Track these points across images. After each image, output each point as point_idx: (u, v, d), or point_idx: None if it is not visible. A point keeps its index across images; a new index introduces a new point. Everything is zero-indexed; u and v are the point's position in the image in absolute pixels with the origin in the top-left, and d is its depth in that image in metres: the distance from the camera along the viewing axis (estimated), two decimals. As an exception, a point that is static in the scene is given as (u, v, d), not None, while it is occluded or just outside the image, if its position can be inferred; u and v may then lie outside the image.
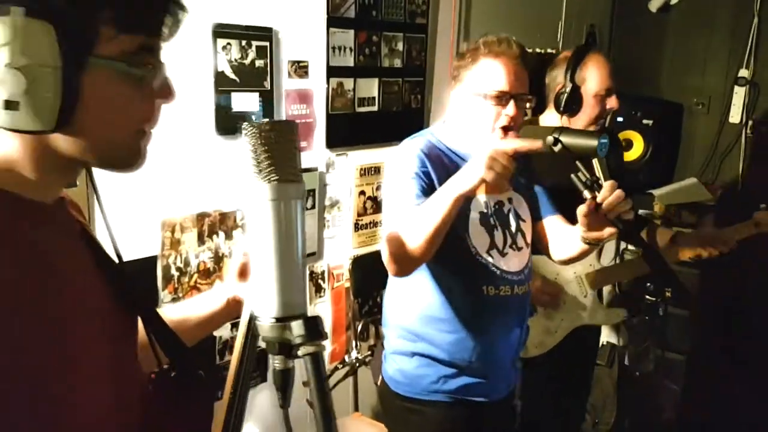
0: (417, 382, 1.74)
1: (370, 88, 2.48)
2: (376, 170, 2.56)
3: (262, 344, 0.77)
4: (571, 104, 2.09)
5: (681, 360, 3.07)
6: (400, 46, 2.56)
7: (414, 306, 1.74)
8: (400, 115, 2.61)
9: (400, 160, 1.68)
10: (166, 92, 0.75)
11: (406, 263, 1.56)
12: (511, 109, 1.62)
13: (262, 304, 0.72)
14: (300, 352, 0.70)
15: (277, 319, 0.70)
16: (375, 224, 2.61)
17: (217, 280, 2.08)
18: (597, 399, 3.15)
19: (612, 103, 2.15)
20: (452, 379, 1.72)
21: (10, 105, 0.64)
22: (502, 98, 1.62)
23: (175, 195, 1.93)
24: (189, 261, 2.01)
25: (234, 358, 0.78)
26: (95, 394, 0.74)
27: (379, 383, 1.89)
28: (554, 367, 2.27)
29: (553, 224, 1.81)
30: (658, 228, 2.39)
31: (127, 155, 0.75)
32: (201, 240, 2.04)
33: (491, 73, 1.63)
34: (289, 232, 0.71)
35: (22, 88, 0.64)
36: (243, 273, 1.00)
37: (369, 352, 2.60)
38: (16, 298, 0.66)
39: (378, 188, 2.58)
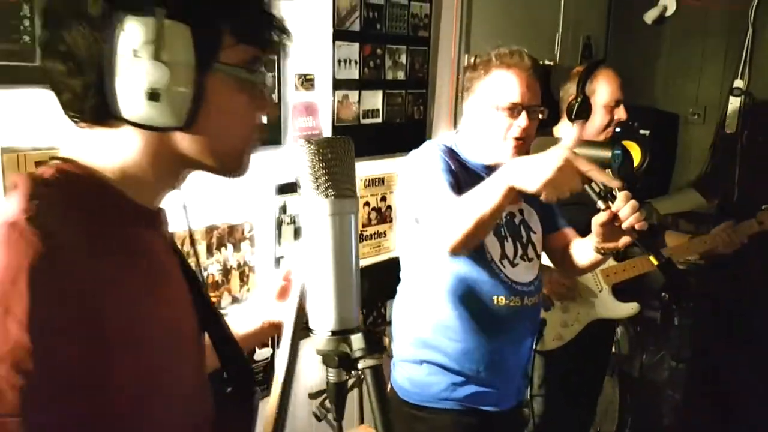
0: (426, 389, 1.74)
1: (375, 100, 2.50)
2: (381, 181, 2.57)
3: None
4: (581, 113, 2.27)
5: (681, 368, 3.09)
6: (403, 59, 2.58)
7: (424, 315, 1.74)
8: (404, 126, 2.63)
9: (424, 159, 1.67)
10: (269, 103, 0.81)
11: (454, 245, 1.47)
12: (523, 120, 1.64)
13: (319, 317, 0.72)
14: (360, 365, 0.70)
15: (334, 332, 0.71)
16: (380, 235, 2.62)
17: (225, 292, 2.08)
18: (599, 407, 3.16)
19: (620, 113, 2.34)
20: (461, 387, 1.73)
21: (153, 96, 0.69)
22: (514, 109, 1.64)
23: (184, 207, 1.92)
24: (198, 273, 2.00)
25: (278, 375, 0.78)
26: (186, 402, 0.78)
27: (388, 392, 1.89)
28: (571, 360, 2.36)
29: (566, 236, 1.82)
30: (668, 232, 2.53)
31: (238, 160, 0.79)
32: (210, 252, 2.04)
33: (504, 85, 1.65)
34: (345, 245, 0.72)
35: (165, 80, 0.68)
36: (282, 294, 1.01)
37: (375, 363, 2.59)
38: (137, 301, 0.70)
39: (382, 199, 2.59)
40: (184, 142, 0.74)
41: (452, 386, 1.73)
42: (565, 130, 2.34)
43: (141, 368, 0.69)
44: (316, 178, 0.72)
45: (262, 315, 1.05)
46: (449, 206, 1.48)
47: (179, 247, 0.89)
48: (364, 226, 2.57)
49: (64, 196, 0.70)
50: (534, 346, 2.17)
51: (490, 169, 1.71)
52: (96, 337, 0.64)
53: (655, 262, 1.42)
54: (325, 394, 2.82)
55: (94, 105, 0.70)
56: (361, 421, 2.59)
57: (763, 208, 2.39)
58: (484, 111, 1.68)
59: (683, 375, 2.96)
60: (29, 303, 0.60)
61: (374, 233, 2.61)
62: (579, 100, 2.28)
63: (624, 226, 1.47)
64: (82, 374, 0.63)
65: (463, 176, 1.66)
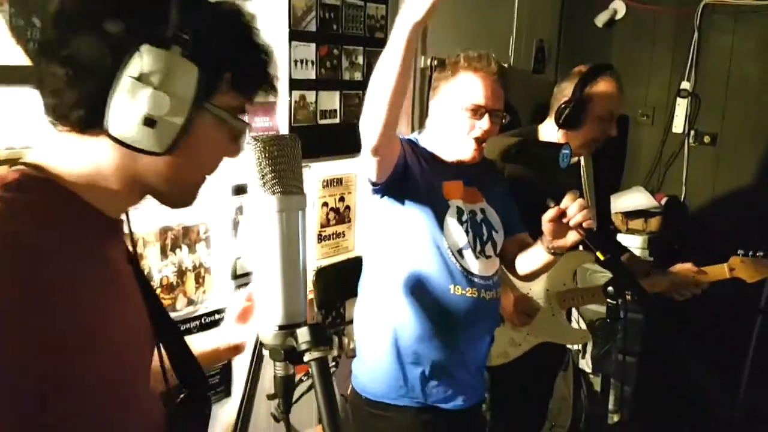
0: (385, 385, 1.76)
1: (332, 100, 2.51)
2: (339, 182, 2.58)
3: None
4: (572, 119, 2.05)
5: (632, 361, 3.18)
6: (360, 60, 2.59)
7: (384, 311, 1.76)
8: (361, 127, 2.64)
9: None
10: (238, 149, 0.84)
11: (375, 122, 1.50)
12: (485, 122, 1.68)
13: (266, 312, 0.73)
14: (306, 358, 0.72)
15: (281, 327, 0.72)
16: (338, 235, 2.63)
17: (180, 294, 2.07)
18: (553, 403, 3.23)
19: (612, 129, 2.11)
20: (421, 384, 1.74)
21: (149, 122, 0.72)
22: (477, 111, 1.68)
23: (136, 209, 1.90)
24: (152, 276, 1.98)
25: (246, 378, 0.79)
26: (141, 409, 0.79)
27: (349, 392, 1.90)
28: (517, 377, 2.26)
29: (520, 240, 1.86)
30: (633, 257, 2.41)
31: (190, 195, 0.84)
32: (164, 254, 2.02)
33: (469, 87, 1.69)
34: (292, 242, 0.74)
35: (164, 110, 0.72)
36: (243, 317, 1.03)
37: (333, 363, 2.60)
38: (95, 306, 0.71)
39: (341, 199, 2.60)
40: (153, 166, 0.77)
41: (411, 382, 1.74)
42: (547, 130, 2.16)
43: (98, 374, 0.69)
44: (263, 176, 0.74)
45: (221, 337, 1.07)
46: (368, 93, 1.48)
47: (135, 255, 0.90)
48: (322, 226, 2.58)
49: (27, 202, 0.71)
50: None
51: (451, 166, 1.75)
52: (51, 341, 0.65)
53: (602, 258, 1.46)
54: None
55: (82, 115, 0.72)
56: (320, 422, 2.60)
57: (738, 253, 2.18)
58: (448, 111, 1.71)
59: (631, 368, 3.05)
60: None
61: (333, 233, 2.62)
62: (572, 105, 2.04)
63: (571, 223, 1.52)
64: (33, 375, 0.63)
65: (420, 165, 1.70)
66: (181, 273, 2.07)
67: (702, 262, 2.26)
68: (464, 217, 1.74)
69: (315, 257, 2.57)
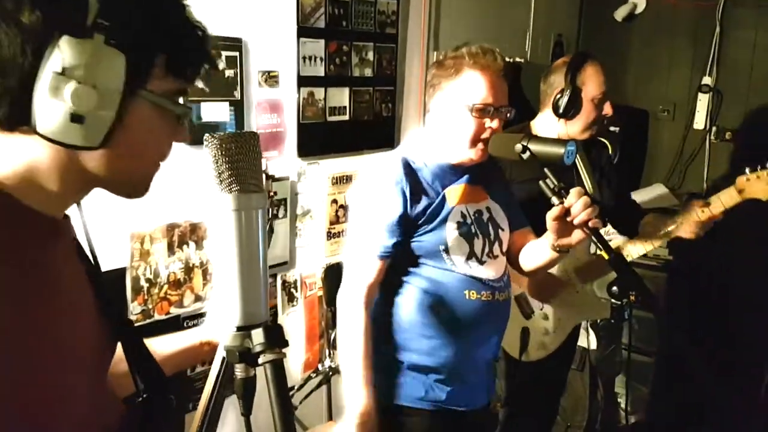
0: (400, 390, 1.74)
1: (341, 97, 2.50)
2: (348, 179, 2.56)
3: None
4: (571, 107, 2.17)
5: (649, 362, 3.12)
6: (370, 56, 2.57)
7: (394, 315, 1.74)
8: (371, 123, 2.62)
9: (376, 192, 1.68)
10: (185, 133, 0.81)
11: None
12: (495, 122, 1.64)
13: (225, 313, 0.72)
14: (260, 360, 0.70)
15: (239, 328, 0.71)
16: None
17: (187, 291, 2.07)
18: (568, 402, 3.18)
19: (607, 108, 2.23)
20: (434, 387, 1.72)
21: (76, 118, 0.68)
22: (485, 110, 1.63)
23: (144, 206, 1.91)
24: (159, 272, 1.99)
25: (207, 386, 0.78)
26: (79, 415, 0.75)
27: (287, 387, 1.89)
28: (535, 371, 2.27)
29: (524, 236, 1.82)
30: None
31: (140, 184, 0.80)
32: (171, 250, 2.03)
33: (475, 86, 1.63)
34: (251, 241, 0.72)
35: (92, 104, 0.68)
36: None
37: (343, 361, 2.59)
38: (21, 317, 0.67)
39: (350, 197, 2.59)
40: (92, 160, 0.73)
41: (425, 386, 1.72)
42: (545, 123, 2.26)
43: (25, 380, 0.67)
44: (220, 173, 0.72)
45: (199, 334, 1.05)
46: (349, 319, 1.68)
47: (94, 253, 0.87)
48: (331, 223, 2.57)
49: None
50: (519, 357, 2.19)
51: (454, 168, 1.72)
52: None
53: (606, 257, 1.43)
54: (291, 392, 2.80)
55: (6, 113, 0.69)
56: (330, 418, 2.59)
57: (746, 171, 2.10)
58: (453, 111, 1.66)
59: (637, 368, 3.00)
60: None
61: (342, 231, 2.60)
62: (569, 91, 2.16)
63: (575, 221, 1.48)
64: None
65: (421, 188, 1.68)
66: (188, 269, 2.07)
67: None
68: (469, 220, 1.71)
69: (324, 254, 2.56)
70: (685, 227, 2.18)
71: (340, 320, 1.68)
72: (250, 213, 0.72)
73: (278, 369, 0.69)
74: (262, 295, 0.73)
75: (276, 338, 0.69)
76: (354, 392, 1.61)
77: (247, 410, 0.71)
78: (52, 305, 0.71)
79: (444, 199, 1.70)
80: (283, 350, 0.70)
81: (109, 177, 0.76)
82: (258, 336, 0.69)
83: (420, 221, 1.67)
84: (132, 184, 0.79)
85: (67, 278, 0.76)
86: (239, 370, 0.70)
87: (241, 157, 0.72)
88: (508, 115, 1.69)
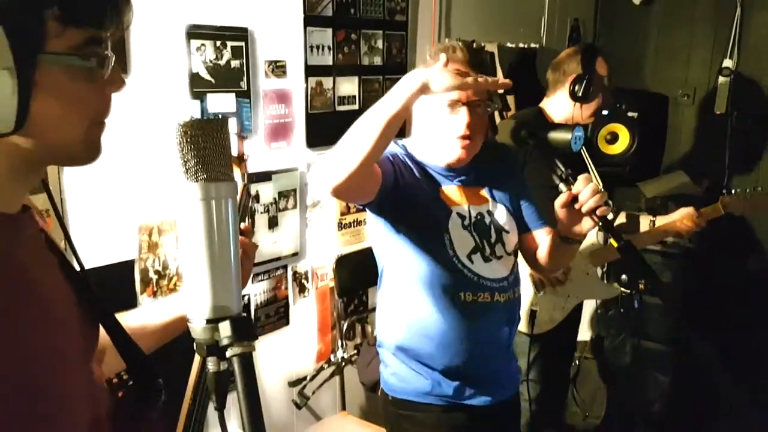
0: (411, 385, 1.72)
1: (351, 86, 2.47)
2: (359, 169, 2.54)
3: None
4: (587, 91, 2.31)
5: (668, 351, 3.07)
6: (379, 44, 2.55)
7: (399, 312, 1.71)
8: (382, 112, 2.59)
9: None
10: (117, 82, 0.74)
11: (340, 172, 1.39)
12: (464, 116, 1.58)
13: (195, 306, 0.70)
14: (228, 353, 0.69)
15: (208, 321, 0.69)
16: (359, 223, 2.60)
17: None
18: (587, 393, 3.15)
19: (611, 99, 2.46)
20: (445, 383, 1.69)
21: None
22: (455, 106, 1.58)
23: (152, 198, 1.91)
24: (168, 264, 2.00)
25: (193, 371, 0.77)
26: (72, 407, 0.74)
27: (379, 392, 1.87)
28: (555, 340, 2.39)
29: (541, 236, 1.78)
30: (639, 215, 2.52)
31: (84, 149, 0.74)
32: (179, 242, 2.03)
33: None
34: (220, 231, 0.70)
35: None
36: None
37: (355, 351, 2.59)
38: None
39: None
40: (20, 142, 0.68)
41: (436, 382, 1.69)
42: (558, 105, 2.38)
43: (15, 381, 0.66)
44: (186, 161, 0.69)
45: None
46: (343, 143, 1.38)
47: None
48: (342, 214, 2.55)
49: None
50: (530, 332, 2.31)
51: (447, 169, 1.68)
52: None
53: (615, 245, 1.39)
54: (303, 383, 2.78)
55: None
56: (343, 408, 2.59)
57: (723, 192, 2.39)
58: (427, 112, 1.62)
59: (668, 359, 2.94)
60: None
61: (353, 221, 2.59)
62: (588, 77, 2.30)
63: (584, 209, 1.45)
64: None
65: (412, 173, 1.63)
66: (197, 261, 2.07)
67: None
68: (467, 222, 1.67)
69: (336, 245, 2.55)
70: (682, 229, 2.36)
71: (339, 145, 1.42)
72: (219, 202, 0.70)
73: (246, 362, 0.67)
74: (233, 287, 0.71)
75: (244, 331, 0.68)
76: (392, 97, 1.35)
77: (220, 405, 0.70)
78: (18, 302, 0.68)
79: (440, 196, 1.67)
80: (252, 343, 0.68)
81: (48, 151, 0.71)
82: (225, 329, 0.68)
83: (413, 199, 1.62)
84: (75, 151, 0.73)
85: (35, 272, 0.73)
86: (211, 364, 0.69)
87: (208, 144, 0.69)
88: (493, 108, 1.64)
